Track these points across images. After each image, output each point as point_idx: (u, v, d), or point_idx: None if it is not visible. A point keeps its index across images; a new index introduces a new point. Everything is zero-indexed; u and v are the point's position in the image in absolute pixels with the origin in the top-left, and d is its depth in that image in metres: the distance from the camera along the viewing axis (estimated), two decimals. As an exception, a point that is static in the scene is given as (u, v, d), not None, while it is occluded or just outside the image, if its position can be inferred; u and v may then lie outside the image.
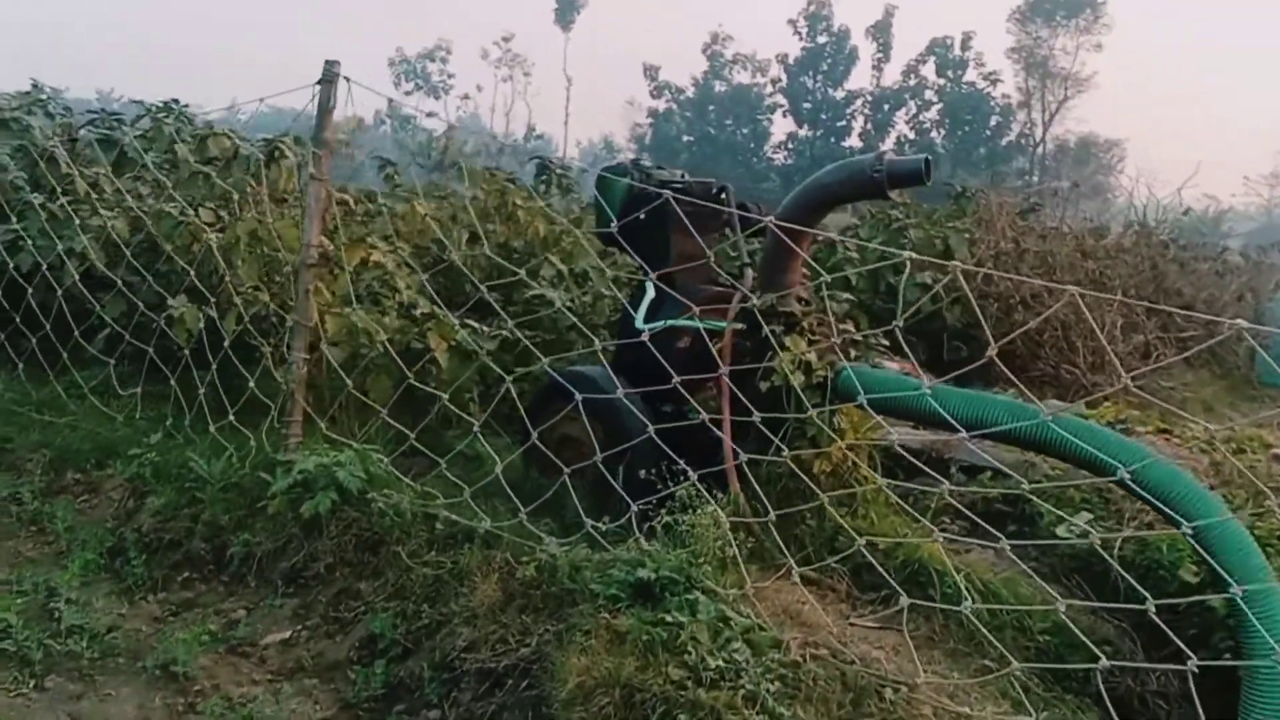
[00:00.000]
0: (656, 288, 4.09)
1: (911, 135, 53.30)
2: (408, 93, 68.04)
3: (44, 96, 6.94)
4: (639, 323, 3.99)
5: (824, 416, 3.49)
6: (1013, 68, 54.65)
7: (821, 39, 54.69)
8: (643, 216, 4.18)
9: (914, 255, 2.75)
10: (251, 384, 4.23)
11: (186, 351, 4.49)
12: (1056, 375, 7.67)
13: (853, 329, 4.35)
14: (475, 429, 3.73)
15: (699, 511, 3.15)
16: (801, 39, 55.14)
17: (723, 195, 4.27)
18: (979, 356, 8.25)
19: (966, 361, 8.22)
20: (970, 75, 52.02)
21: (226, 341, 4.33)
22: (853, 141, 54.70)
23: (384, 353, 4.52)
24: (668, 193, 3.36)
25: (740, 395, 3.42)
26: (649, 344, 3.50)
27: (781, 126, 57.14)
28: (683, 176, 4.35)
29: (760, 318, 3.50)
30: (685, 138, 58.18)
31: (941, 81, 52.41)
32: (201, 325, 4.43)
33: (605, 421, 3.69)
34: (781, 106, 56.62)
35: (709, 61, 58.56)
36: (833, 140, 55.05)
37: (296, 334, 3.95)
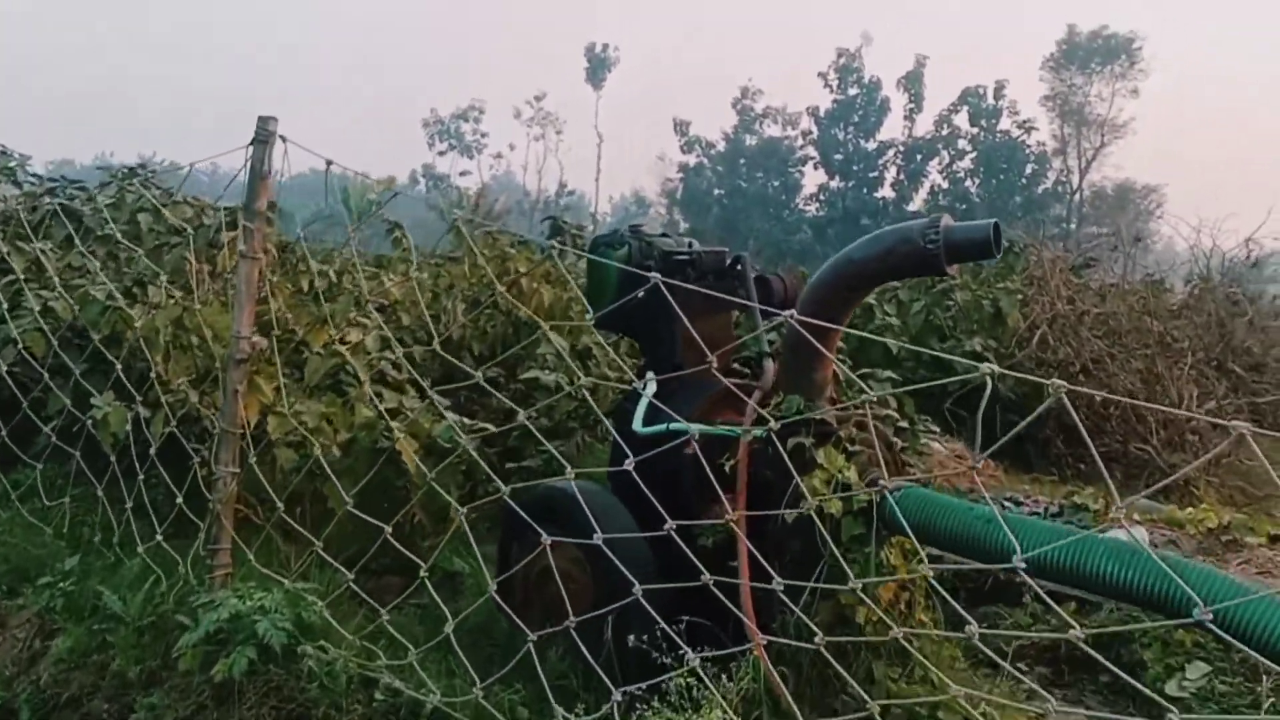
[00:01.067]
0: (659, 381, 3.39)
1: (945, 185, 52.54)
2: (442, 153, 68.77)
3: (11, 164, 6.43)
4: (637, 424, 3.27)
5: (869, 550, 2.75)
6: (1047, 115, 53.93)
7: (852, 91, 54.32)
8: (642, 295, 3.50)
9: (995, 369, 2.01)
10: (179, 499, 3.55)
11: (113, 457, 3.84)
12: (1125, 451, 6.83)
13: (897, 417, 3.61)
14: (443, 545, 3.04)
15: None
16: (832, 91, 54.83)
17: (738, 267, 3.58)
18: (1036, 432, 7.41)
19: (1023, 439, 7.44)
20: (1004, 124, 51.29)
21: (153, 447, 3.66)
22: (885, 192, 54.04)
23: (342, 455, 3.85)
24: (656, 277, 2.64)
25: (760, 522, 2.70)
26: (646, 453, 2.80)
27: (813, 178, 56.73)
28: (690, 245, 3.65)
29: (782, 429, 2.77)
30: (716, 191, 57.85)
31: (975, 130, 51.71)
32: (128, 427, 3.77)
33: (592, 560, 2.96)
34: (813, 159, 56.18)
35: (739, 115, 58.40)
36: (865, 191, 54.41)
37: (223, 443, 3.28)
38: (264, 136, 3.18)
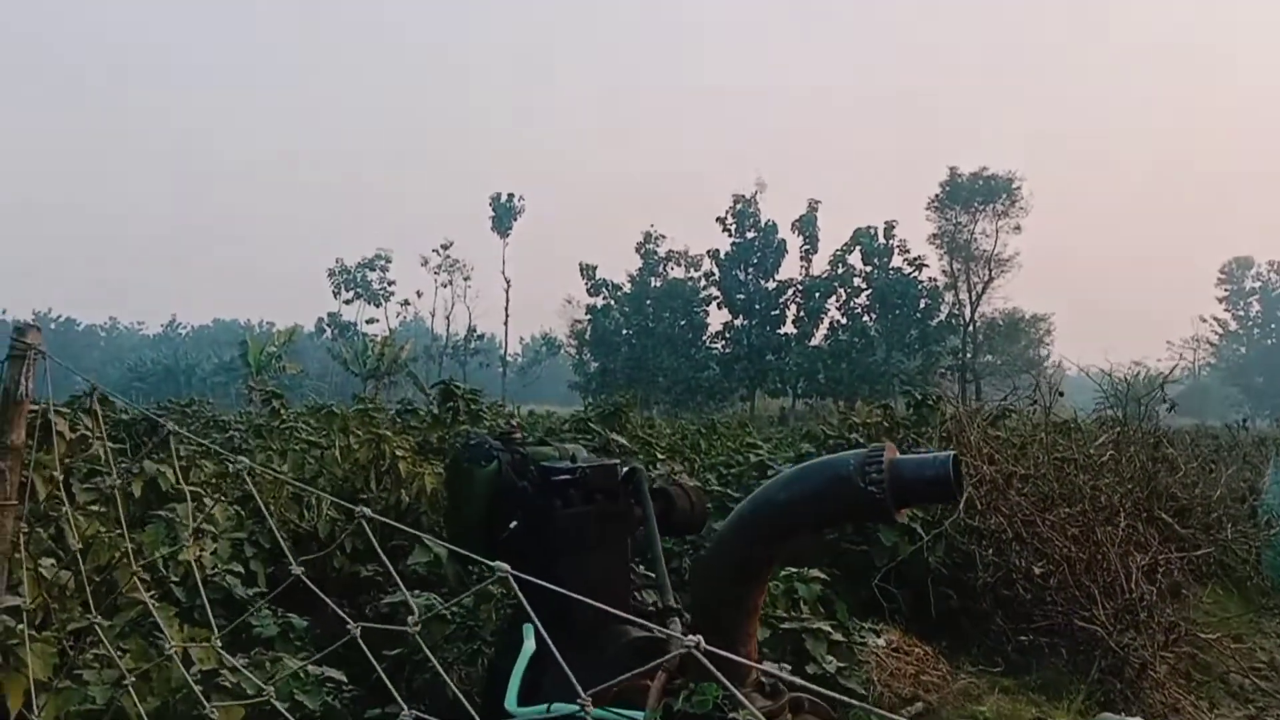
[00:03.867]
0: (538, 638, 2.69)
1: (844, 320, 53.78)
2: (348, 301, 67.97)
3: None
4: (510, 703, 2.54)
5: None
6: (936, 252, 56.18)
7: (750, 234, 55.88)
8: (515, 525, 2.84)
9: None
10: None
11: None
12: (1068, 626, 6.27)
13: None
14: None
15: None
16: (731, 235, 56.33)
17: (632, 482, 2.94)
18: (970, 604, 6.79)
19: (958, 613, 6.80)
20: (896, 260, 53.10)
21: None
22: (788, 328, 55.05)
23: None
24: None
25: None
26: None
27: (718, 317, 57.64)
28: (573, 457, 3.01)
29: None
30: (624, 331, 58.17)
31: (868, 268, 53.41)
32: None
33: None
34: (716, 298, 57.19)
35: (643, 258, 59.34)
36: (768, 328, 55.36)
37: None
38: (20, 350, 2.48)
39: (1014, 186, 54.46)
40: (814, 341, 54.27)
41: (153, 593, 3.49)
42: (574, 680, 1.52)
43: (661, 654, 2.45)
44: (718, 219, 56.66)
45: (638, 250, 59.70)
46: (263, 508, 2.33)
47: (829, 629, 3.75)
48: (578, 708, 2.49)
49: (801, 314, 54.84)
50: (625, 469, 2.97)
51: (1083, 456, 8.05)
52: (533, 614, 2.71)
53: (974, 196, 54.87)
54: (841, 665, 3.86)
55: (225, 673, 3.30)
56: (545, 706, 2.43)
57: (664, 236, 59.74)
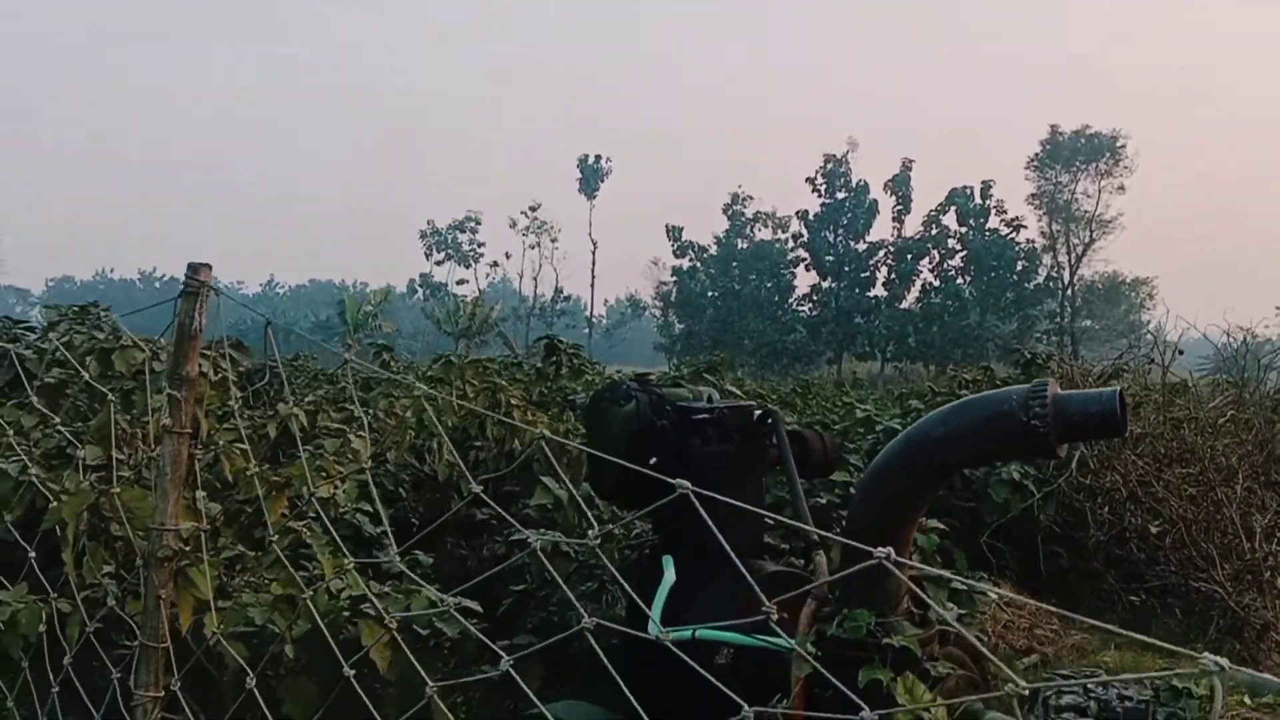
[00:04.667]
0: (679, 569, 2.77)
1: (937, 283, 52.62)
2: (439, 262, 69.16)
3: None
4: (653, 625, 2.63)
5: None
6: (1035, 213, 54.42)
7: (840, 195, 54.91)
8: (655, 461, 2.91)
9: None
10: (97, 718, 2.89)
11: (25, 664, 3.18)
12: (1184, 587, 6.14)
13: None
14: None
15: None
16: (820, 195, 55.43)
17: (768, 423, 2.99)
18: (1081, 563, 6.69)
19: (1067, 571, 6.72)
20: (992, 222, 51.64)
21: (68, 656, 3.01)
22: (877, 291, 54.15)
23: (297, 656, 3.20)
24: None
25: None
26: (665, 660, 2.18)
27: (805, 279, 56.93)
28: (709, 399, 3.07)
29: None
30: (710, 293, 57.97)
31: (963, 230, 52.05)
32: (42, 628, 3.12)
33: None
34: (804, 260, 56.49)
35: (730, 220, 58.92)
36: (857, 291, 54.52)
37: (143, 660, 2.63)
38: (194, 288, 2.63)
39: (1118, 145, 52.37)
40: (904, 304, 53.25)
41: (298, 525, 3.68)
42: (756, 589, 1.58)
43: (801, 586, 2.51)
44: (807, 179, 55.83)
45: (724, 212, 59.29)
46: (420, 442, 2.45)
47: (951, 576, 3.74)
48: (724, 635, 2.58)
49: (892, 276, 53.83)
50: (760, 411, 3.02)
51: (1200, 417, 7.82)
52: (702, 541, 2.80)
53: (1076, 155, 52.91)
54: (961, 612, 3.87)
55: (369, 601, 3.47)
56: (690, 631, 2.52)
57: (751, 198, 59.22)
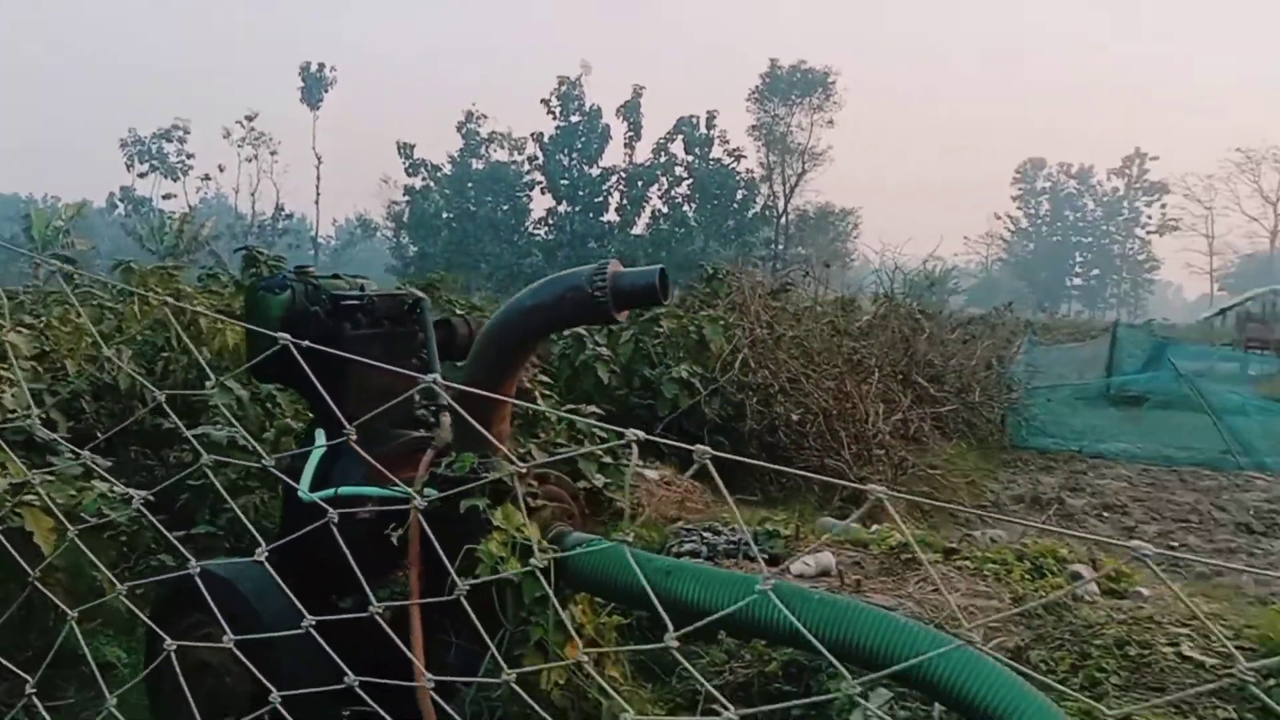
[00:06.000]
0: (329, 438, 3.09)
1: (665, 209, 54.65)
2: (142, 175, 63.39)
3: None
4: (303, 489, 2.96)
5: (552, 611, 2.60)
6: (755, 144, 57.56)
7: (575, 118, 55.40)
8: (307, 344, 3.19)
9: (640, 435, 1.91)
10: None
11: None
12: (822, 466, 7.20)
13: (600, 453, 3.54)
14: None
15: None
16: (555, 118, 55.66)
17: (417, 311, 3.35)
18: (743, 450, 7.67)
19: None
20: (716, 152, 54.10)
21: None
22: (610, 216, 55.49)
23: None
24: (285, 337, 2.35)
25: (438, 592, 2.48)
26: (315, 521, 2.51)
27: (541, 203, 57.22)
28: (361, 288, 3.37)
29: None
30: (445, 214, 57.02)
31: (690, 158, 54.20)
32: None
33: (248, 650, 2.62)
34: (540, 183, 56.71)
35: (464, 139, 57.96)
36: (591, 215, 55.61)
37: None
38: None
39: (829, 81, 56.19)
40: (636, 230, 54.96)
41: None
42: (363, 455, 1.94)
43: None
44: (542, 100, 55.81)
45: (459, 130, 58.21)
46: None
47: (600, 452, 4.33)
48: (359, 490, 2.95)
49: (624, 202, 55.28)
50: (411, 299, 3.36)
51: (849, 325, 9.00)
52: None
53: (792, 89, 56.26)
54: (608, 481, 4.46)
55: (36, 493, 3.53)
56: (333, 490, 2.86)
57: (486, 117, 58.41)
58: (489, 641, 2.01)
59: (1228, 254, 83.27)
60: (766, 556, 3.99)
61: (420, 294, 3.37)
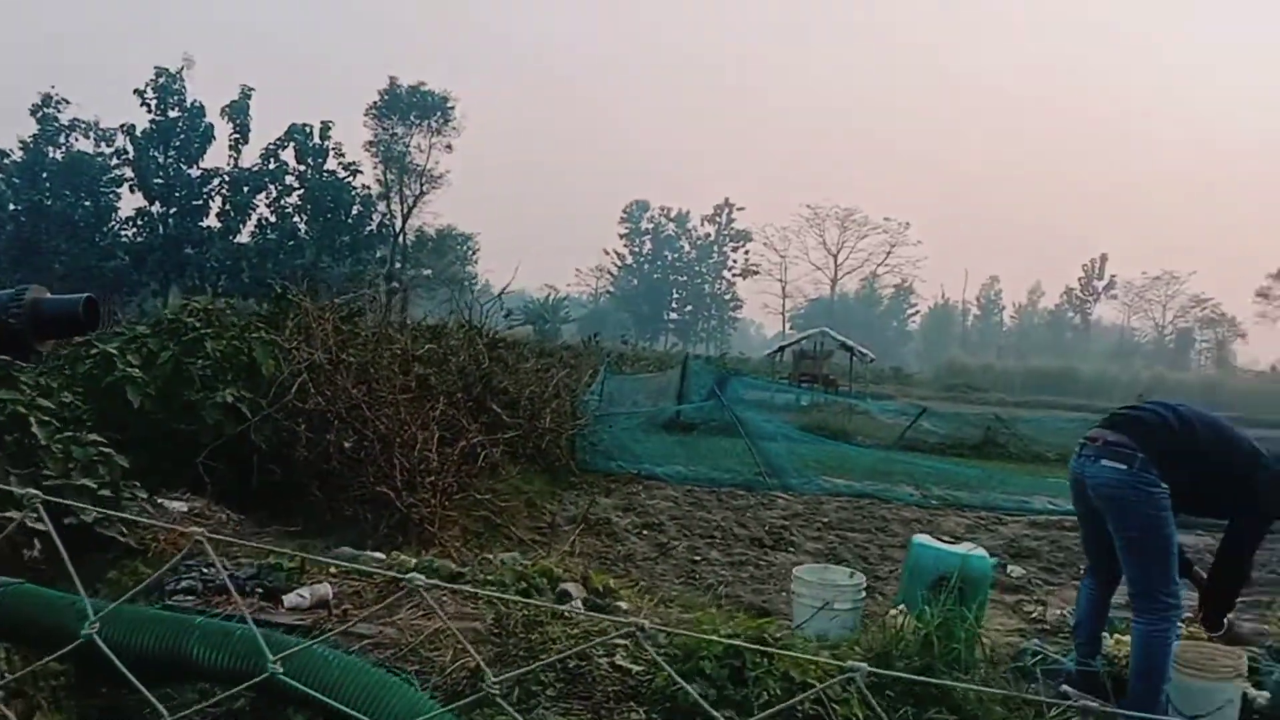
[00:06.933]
0: None
1: (273, 219, 51.86)
2: None
3: None
4: None
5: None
6: (371, 160, 56.46)
7: (173, 113, 50.95)
8: None
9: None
10: None
11: None
12: (374, 494, 7.25)
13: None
14: None
15: None
16: (150, 111, 50.79)
17: None
18: (296, 478, 7.52)
19: (280, 486, 7.45)
20: (331, 164, 52.28)
21: None
22: (211, 221, 51.61)
23: None
24: None
25: None
26: None
27: (130, 201, 51.79)
28: None
29: None
30: (12, 207, 49.91)
31: (302, 168, 51.94)
32: None
33: None
34: (130, 180, 51.37)
35: (40, 125, 51.21)
36: (189, 219, 51.34)
37: None
38: None
39: (449, 105, 56.58)
40: (240, 238, 51.56)
41: None
42: None
43: None
44: (135, 91, 50.69)
45: (34, 114, 51.33)
46: None
47: (93, 485, 4.08)
48: None
49: (227, 207, 51.64)
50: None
51: (421, 351, 9.17)
52: None
53: (411, 110, 55.99)
54: (101, 515, 4.19)
55: None
56: None
57: (68, 102, 52.07)
58: None
59: (798, 297, 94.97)
60: (260, 591, 3.98)
61: None
